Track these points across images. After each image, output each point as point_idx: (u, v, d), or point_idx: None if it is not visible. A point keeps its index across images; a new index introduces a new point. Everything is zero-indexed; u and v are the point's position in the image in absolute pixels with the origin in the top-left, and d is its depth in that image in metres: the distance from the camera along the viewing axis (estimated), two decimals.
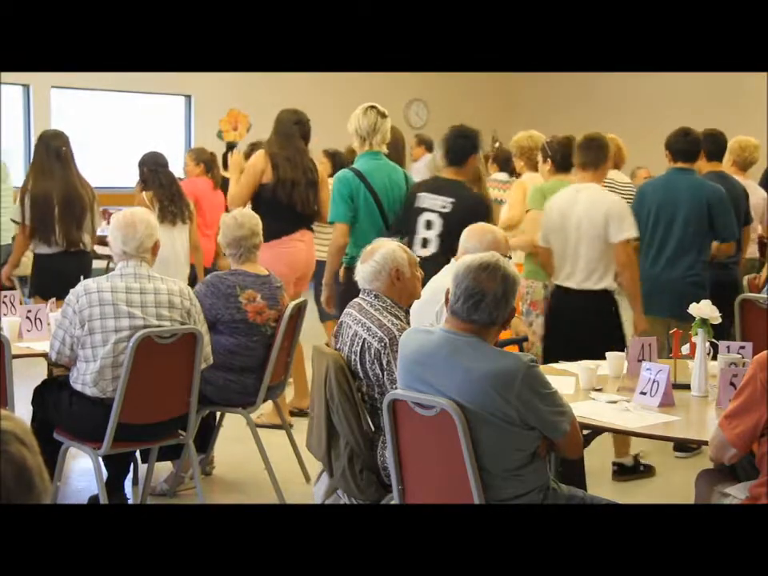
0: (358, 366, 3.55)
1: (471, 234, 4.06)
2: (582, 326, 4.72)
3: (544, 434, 2.95)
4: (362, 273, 3.68)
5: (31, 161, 5.99)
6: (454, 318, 2.97)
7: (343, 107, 11.07)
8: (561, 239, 4.84)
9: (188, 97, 11.72)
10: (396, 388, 3.19)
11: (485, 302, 2.90)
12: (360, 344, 3.53)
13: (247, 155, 6.67)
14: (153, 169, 6.34)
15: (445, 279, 3.78)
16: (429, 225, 4.91)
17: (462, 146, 5.03)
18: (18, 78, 10.19)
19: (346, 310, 3.73)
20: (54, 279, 5.73)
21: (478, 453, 2.90)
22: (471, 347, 2.92)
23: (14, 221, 5.92)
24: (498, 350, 2.98)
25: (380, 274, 3.64)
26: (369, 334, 3.52)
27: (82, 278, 4.46)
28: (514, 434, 2.89)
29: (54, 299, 5.05)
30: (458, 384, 2.89)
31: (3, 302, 4.84)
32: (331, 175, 6.36)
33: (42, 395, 4.29)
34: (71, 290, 4.03)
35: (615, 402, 3.57)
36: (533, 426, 2.91)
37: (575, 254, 4.79)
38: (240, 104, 11.73)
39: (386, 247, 3.71)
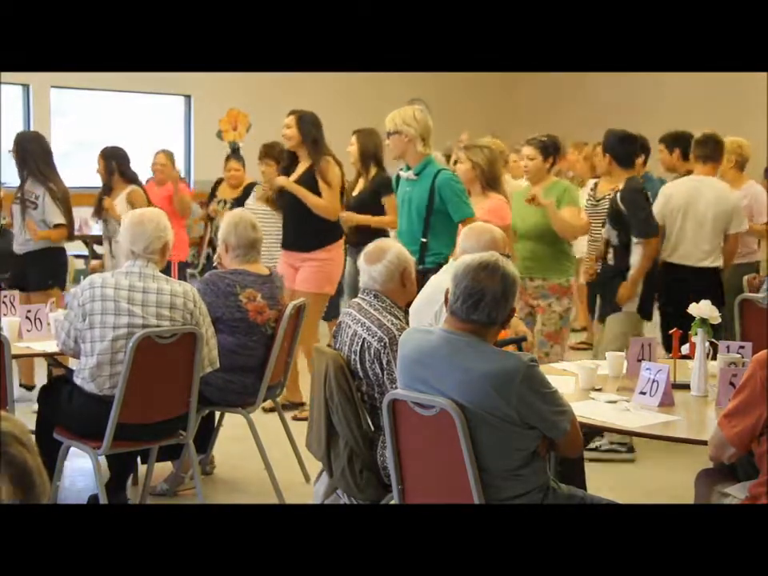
0: (358, 366, 3.55)
1: (469, 234, 4.06)
2: (696, 296, 5.14)
3: (544, 433, 2.94)
4: (374, 273, 3.65)
5: (34, 161, 5.97)
6: (453, 317, 2.96)
7: (343, 107, 11.10)
8: (681, 224, 5.56)
9: (188, 97, 11.71)
10: (396, 388, 3.19)
11: (484, 301, 2.90)
12: (360, 343, 3.53)
13: (264, 155, 6.68)
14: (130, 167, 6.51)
15: (444, 279, 3.78)
16: None
17: (626, 149, 5.48)
18: (18, 78, 10.18)
19: (345, 309, 3.73)
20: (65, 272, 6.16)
21: (478, 452, 2.89)
22: (471, 347, 2.92)
23: (58, 224, 5.97)
24: (497, 350, 2.98)
25: (394, 274, 3.64)
26: (368, 334, 3.52)
27: None
28: (515, 434, 2.89)
29: (53, 299, 5.06)
30: (458, 384, 2.89)
31: (3, 302, 4.85)
32: None
33: (46, 393, 4.30)
34: (80, 284, 4.07)
35: (615, 402, 3.58)
36: (533, 425, 2.90)
37: (696, 237, 5.56)
38: (239, 104, 11.74)
39: (396, 248, 3.70)
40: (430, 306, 3.96)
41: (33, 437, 1.69)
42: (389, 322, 3.54)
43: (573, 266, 5.72)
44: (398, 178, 5.48)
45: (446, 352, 2.94)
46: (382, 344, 3.48)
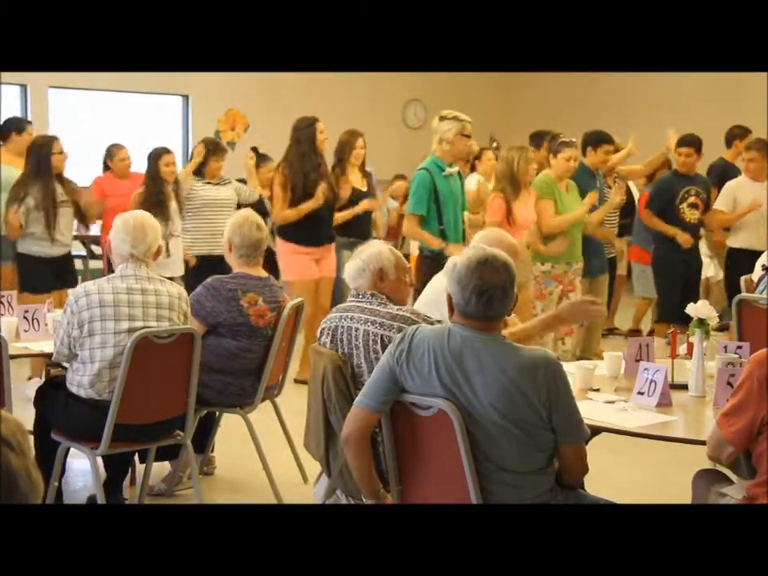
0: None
1: (480, 239, 4.13)
2: None
3: (563, 438, 2.92)
4: (349, 270, 3.69)
5: None
6: (467, 318, 2.94)
7: (341, 107, 11.10)
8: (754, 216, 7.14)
9: (185, 97, 11.71)
10: None
11: (496, 297, 2.90)
12: (378, 342, 3.49)
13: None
14: None
15: (438, 286, 3.79)
16: None
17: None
18: (16, 78, 10.19)
19: (338, 314, 3.66)
20: None
21: (498, 456, 2.90)
22: (494, 344, 2.91)
23: None
24: (523, 346, 2.98)
25: (363, 272, 3.64)
26: (384, 329, 3.48)
27: None
28: (539, 436, 2.89)
29: (51, 299, 5.06)
30: (494, 384, 2.86)
31: (0, 302, 4.84)
32: None
33: (43, 395, 4.29)
34: (71, 291, 4.06)
35: (613, 402, 3.58)
36: (555, 426, 2.89)
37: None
38: (237, 104, 11.74)
39: (374, 247, 3.72)
40: (437, 308, 3.94)
41: (28, 436, 1.68)
42: (398, 311, 3.53)
43: None
44: (430, 174, 5.97)
45: (472, 352, 2.90)
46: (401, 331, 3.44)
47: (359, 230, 6.97)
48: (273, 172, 7.52)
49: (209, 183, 7.01)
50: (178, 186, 6.74)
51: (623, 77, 10.74)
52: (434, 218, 6.02)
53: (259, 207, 7.11)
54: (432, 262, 5.70)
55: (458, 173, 6.22)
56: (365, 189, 7.05)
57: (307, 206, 6.51)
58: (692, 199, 7.13)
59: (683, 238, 7.10)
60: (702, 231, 7.54)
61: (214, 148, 7.07)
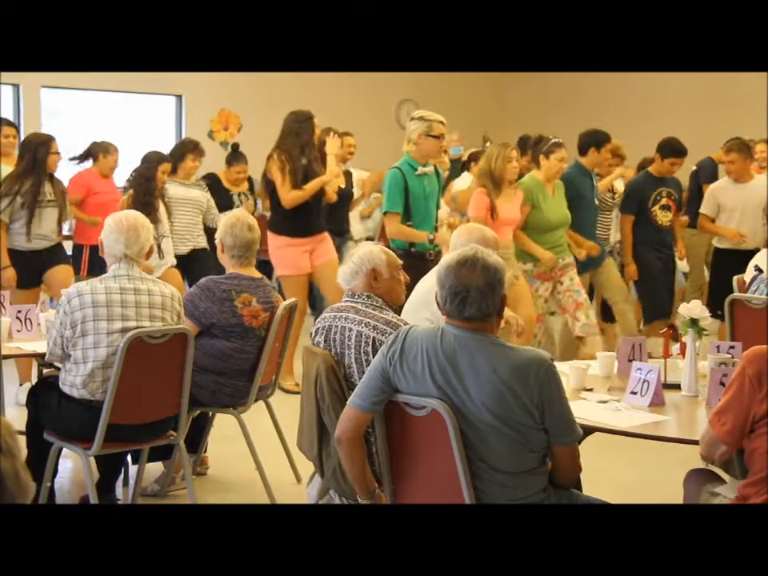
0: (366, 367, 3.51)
1: (460, 233, 4.16)
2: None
3: (555, 440, 2.92)
4: (342, 273, 3.71)
5: None
6: (450, 318, 2.96)
7: (334, 107, 11.09)
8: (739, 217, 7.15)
9: (179, 97, 11.69)
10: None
11: (470, 297, 2.89)
12: (370, 344, 3.50)
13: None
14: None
15: (428, 284, 3.81)
16: None
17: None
18: (8, 78, 10.16)
19: (332, 314, 3.68)
20: None
21: (488, 456, 2.89)
22: (488, 344, 2.91)
23: None
24: (516, 346, 2.98)
25: (357, 273, 3.66)
26: (377, 332, 3.50)
27: None
28: (531, 436, 2.89)
29: (44, 299, 5.06)
30: (487, 385, 2.86)
31: None
32: None
33: (35, 395, 4.28)
34: (64, 292, 4.05)
35: (606, 402, 3.59)
36: (547, 427, 2.89)
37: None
38: (231, 104, 11.73)
39: (365, 248, 3.75)
40: (427, 307, 3.95)
41: (18, 437, 1.67)
42: (394, 319, 3.55)
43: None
44: (401, 173, 5.91)
45: (464, 352, 2.90)
46: None
47: (334, 224, 7.00)
48: (242, 173, 7.57)
49: (179, 184, 7.03)
50: (164, 189, 6.78)
51: (618, 77, 10.74)
52: (402, 214, 5.97)
53: (231, 206, 7.16)
54: (419, 262, 5.67)
55: (436, 172, 6.13)
56: (343, 186, 7.18)
57: (317, 182, 6.42)
58: (664, 201, 7.12)
59: (630, 270, 7.13)
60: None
61: (193, 147, 7.12)
